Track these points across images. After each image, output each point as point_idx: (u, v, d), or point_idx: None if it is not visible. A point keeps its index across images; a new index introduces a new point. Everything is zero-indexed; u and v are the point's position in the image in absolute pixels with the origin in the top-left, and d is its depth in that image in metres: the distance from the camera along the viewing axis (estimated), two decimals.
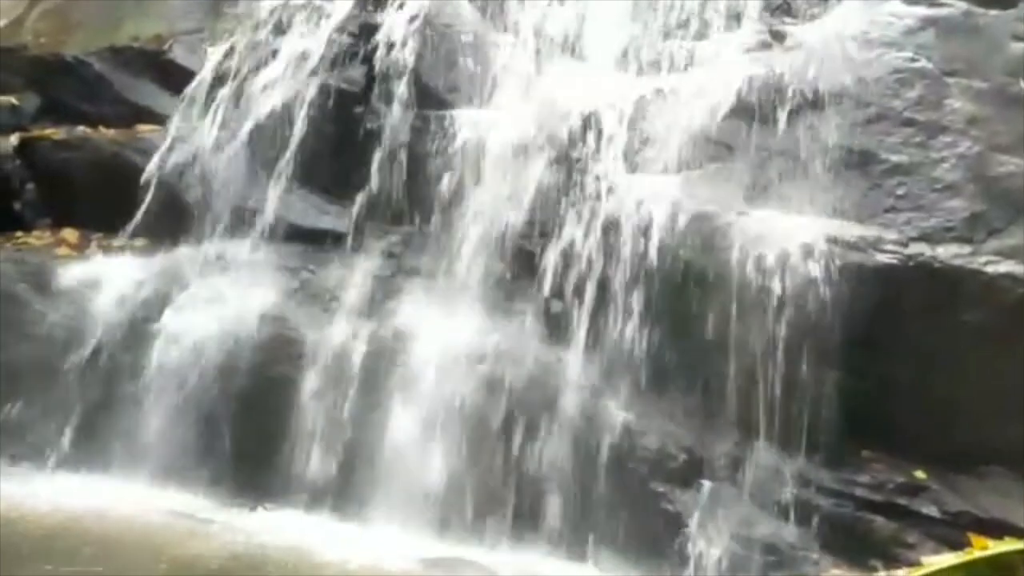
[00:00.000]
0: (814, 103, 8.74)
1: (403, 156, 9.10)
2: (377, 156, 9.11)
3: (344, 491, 7.81)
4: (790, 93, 8.79)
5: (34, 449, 8.16)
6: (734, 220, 8.32)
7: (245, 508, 7.67)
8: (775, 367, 7.90)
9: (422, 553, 7.12)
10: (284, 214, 9.10)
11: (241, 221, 9.08)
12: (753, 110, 8.80)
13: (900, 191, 8.33)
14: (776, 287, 8.06)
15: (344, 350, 8.25)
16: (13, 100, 10.03)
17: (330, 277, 8.79)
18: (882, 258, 8.05)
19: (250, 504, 7.72)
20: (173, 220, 9.08)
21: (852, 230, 8.18)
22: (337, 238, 9.03)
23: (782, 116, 8.72)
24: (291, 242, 9.02)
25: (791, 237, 8.19)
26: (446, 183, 8.88)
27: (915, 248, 8.07)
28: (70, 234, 9.31)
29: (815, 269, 8.07)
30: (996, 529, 7.01)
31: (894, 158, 8.46)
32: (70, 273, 8.87)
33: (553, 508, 7.70)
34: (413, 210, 9.02)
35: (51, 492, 7.59)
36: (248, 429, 8.09)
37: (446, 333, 8.29)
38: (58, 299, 8.74)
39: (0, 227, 9.34)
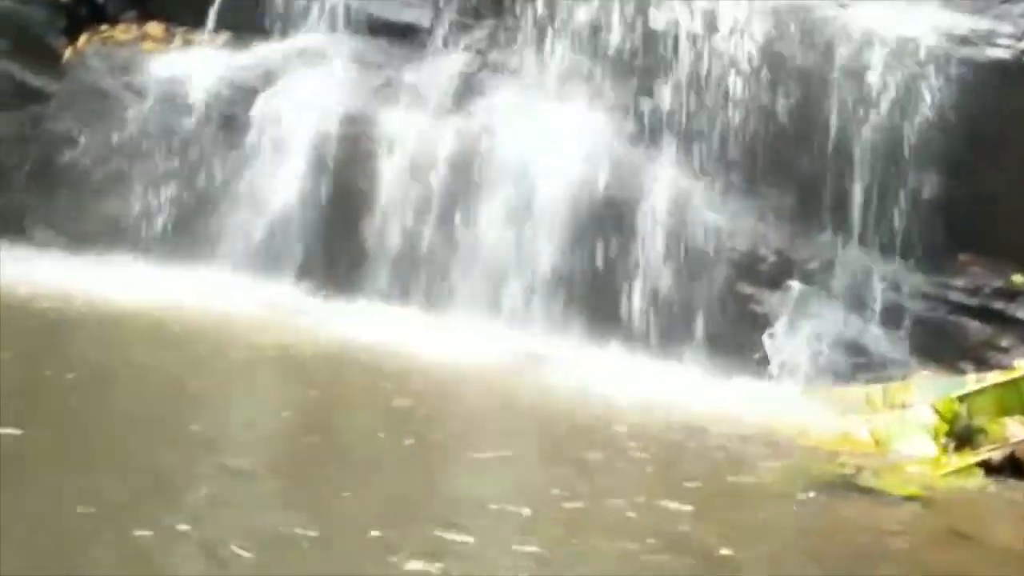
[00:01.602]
0: None
1: None
2: None
3: (430, 284, 7.90)
4: None
5: (126, 240, 8.35)
6: (836, 12, 7.93)
7: (331, 298, 7.81)
8: (874, 166, 7.67)
9: (505, 345, 7.20)
10: (365, 6, 8.92)
11: (323, 13, 8.91)
12: None
13: None
14: (878, 84, 7.73)
15: (430, 146, 8.19)
16: None
17: (414, 73, 8.64)
18: (994, 53, 7.63)
19: (336, 294, 7.85)
20: (255, 12, 8.94)
21: (964, 23, 7.74)
22: (420, 32, 8.83)
23: None
24: (374, 35, 8.85)
25: (897, 30, 7.80)
26: None
27: None
28: (154, 28, 9.25)
29: (921, 65, 7.71)
30: None
31: None
32: (158, 68, 8.85)
33: (639, 307, 7.70)
34: (498, 2, 8.74)
35: (144, 282, 7.81)
36: (336, 223, 8.16)
37: (532, 131, 8.14)
38: (147, 94, 8.76)
39: (85, 21, 9.29)
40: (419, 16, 8.89)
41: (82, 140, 8.68)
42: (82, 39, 9.13)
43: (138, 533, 3.71)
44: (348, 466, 4.94)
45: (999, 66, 7.64)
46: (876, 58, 7.76)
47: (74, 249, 8.27)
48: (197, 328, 6.92)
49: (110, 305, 7.15)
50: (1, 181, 8.63)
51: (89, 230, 8.44)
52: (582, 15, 8.44)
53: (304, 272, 8.07)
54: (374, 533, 4.05)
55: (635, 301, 7.73)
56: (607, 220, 7.85)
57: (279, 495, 4.42)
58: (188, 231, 8.35)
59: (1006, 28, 7.69)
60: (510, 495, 4.71)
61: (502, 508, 4.50)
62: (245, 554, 3.67)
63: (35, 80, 8.96)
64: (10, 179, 8.65)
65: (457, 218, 7.99)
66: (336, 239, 8.15)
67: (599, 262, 7.78)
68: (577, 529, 4.34)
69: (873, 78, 7.73)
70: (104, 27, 9.28)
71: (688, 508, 4.77)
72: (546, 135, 8.10)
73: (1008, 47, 7.64)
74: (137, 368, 6.01)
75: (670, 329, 7.67)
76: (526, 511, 4.49)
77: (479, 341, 7.27)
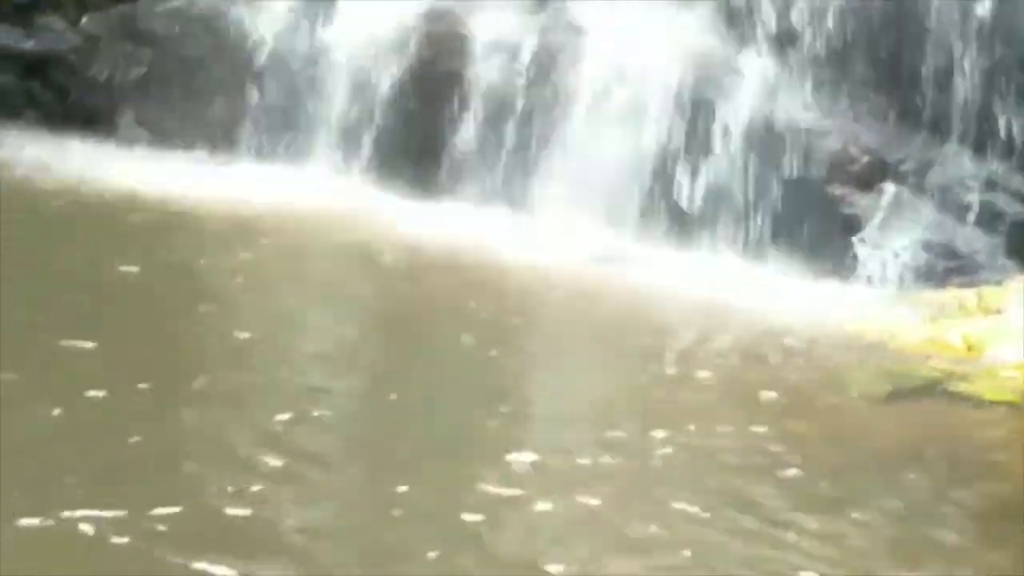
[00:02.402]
0: None
1: None
2: None
3: (514, 184, 7.86)
4: None
5: (214, 139, 8.43)
6: None
7: (415, 198, 7.81)
8: (976, 63, 7.36)
9: (589, 246, 7.14)
10: None
11: None
12: None
13: None
14: None
15: (514, 44, 8.07)
16: None
17: None
18: None
19: (420, 194, 7.84)
20: None
21: None
22: None
23: None
24: None
25: None
26: None
27: None
28: None
29: None
30: None
31: None
32: None
33: (726, 208, 7.57)
34: None
35: (231, 180, 7.91)
36: (417, 123, 8.11)
37: (618, 27, 7.96)
38: None
39: None
40: None
41: (171, 39, 8.72)
42: None
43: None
44: (427, 363, 4.99)
45: None
46: None
47: (162, 147, 8.39)
48: (279, 226, 6.99)
49: (197, 203, 7.26)
50: (91, 80, 8.75)
51: (177, 128, 8.54)
52: None
53: (388, 171, 8.08)
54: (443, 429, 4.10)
55: (721, 203, 7.59)
56: (694, 117, 7.69)
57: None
58: (275, 130, 8.39)
59: None
60: (582, 401, 4.72)
61: (574, 414, 4.51)
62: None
63: None
64: (100, 78, 8.76)
65: (542, 116, 7.90)
66: (420, 138, 8.13)
67: (684, 161, 7.64)
68: (652, 433, 4.33)
69: None
70: None
71: (769, 412, 4.74)
72: (633, 31, 7.91)
73: None
74: (221, 264, 6.11)
75: (756, 230, 7.54)
76: (596, 418, 4.49)
77: (563, 241, 7.23)
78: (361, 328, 5.56)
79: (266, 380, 4.45)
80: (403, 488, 3.54)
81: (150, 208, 7.02)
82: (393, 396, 4.44)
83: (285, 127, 8.40)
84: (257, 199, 7.48)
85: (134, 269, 5.65)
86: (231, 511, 3.27)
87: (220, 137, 8.46)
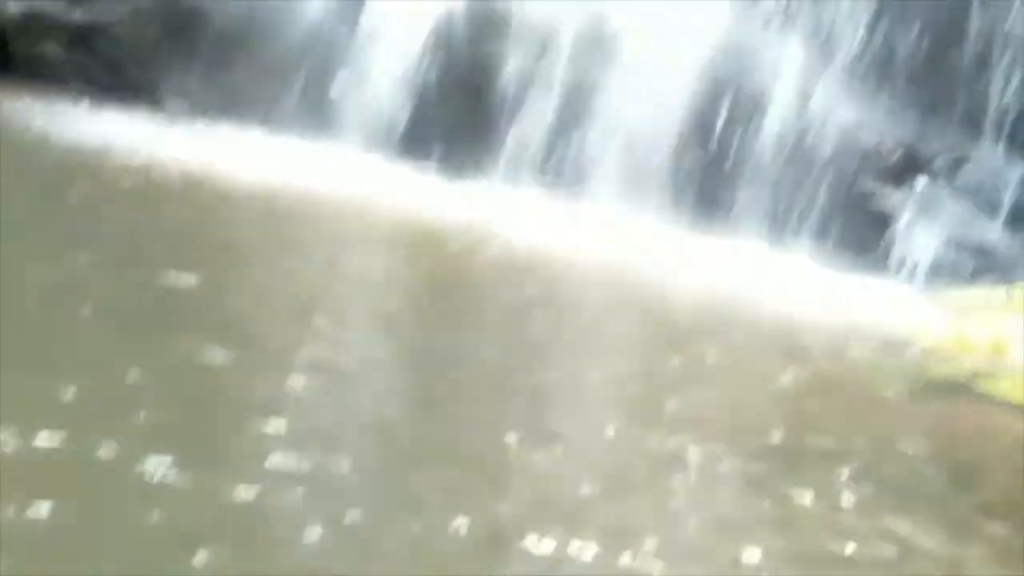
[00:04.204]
0: None
1: None
2: None
3: (554, 163, 7.93)
4: None
5: (256, 113, 8.50)
6: None
7: (450, 177, 7.87)
8: (1014, 63, 7.36)
9: (616, 231, 7.20)
10: None
11: None
12: None
13: None
14: None
15: (552, 29, 8.12)
16: None
17: None
18: None
19: (460, 175, 7.91)
20: None
21: None
22: None
23: None
24: None
25: None
26: None
27: None
28: None
29: None
30: None
31: None
32: None
33: (758, 199, 7.63)
34: None
35: (272, 154, 7.98)
36: (457, 103, 8.18)
37: (658, 15, 7.97)
38: None
39: None
40: None
41: (215, 14, 8.79)
42: None
43: None
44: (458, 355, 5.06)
45: None
46: None
47: (205, 120, 8.49)
48: (309, 207, 7.04)
49: (227, 180, 7.31)
50: (136, 52, 8.83)
51: (220, 102, 8.63)
52: None
53: (427, 152, 8.15)
54: None
55: (754, 193, 7.66)
56: (729, 107, 7.73)
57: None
58: (316, 106, 8.47)
59: None
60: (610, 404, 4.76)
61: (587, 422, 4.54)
62: None
63: None
64: (144, 50, 8.85)
65: (578, 100, 7.96)
66: (457, 119, 8.20)
67: (717, 148, 7.70)
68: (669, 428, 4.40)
69: None
70: None
71: (796, 404, 4.80)
72: (672, 20, 7.94)
73: None
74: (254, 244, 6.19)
75: (786, 221, 7.60)
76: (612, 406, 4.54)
77: (601, 224, 7.29)
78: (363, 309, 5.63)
79: None
80: None
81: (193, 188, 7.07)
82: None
83: (325, 103, 8.48)
84: (294, 176, 7.53)
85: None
86: None
87: (261, 111, 8.54)
